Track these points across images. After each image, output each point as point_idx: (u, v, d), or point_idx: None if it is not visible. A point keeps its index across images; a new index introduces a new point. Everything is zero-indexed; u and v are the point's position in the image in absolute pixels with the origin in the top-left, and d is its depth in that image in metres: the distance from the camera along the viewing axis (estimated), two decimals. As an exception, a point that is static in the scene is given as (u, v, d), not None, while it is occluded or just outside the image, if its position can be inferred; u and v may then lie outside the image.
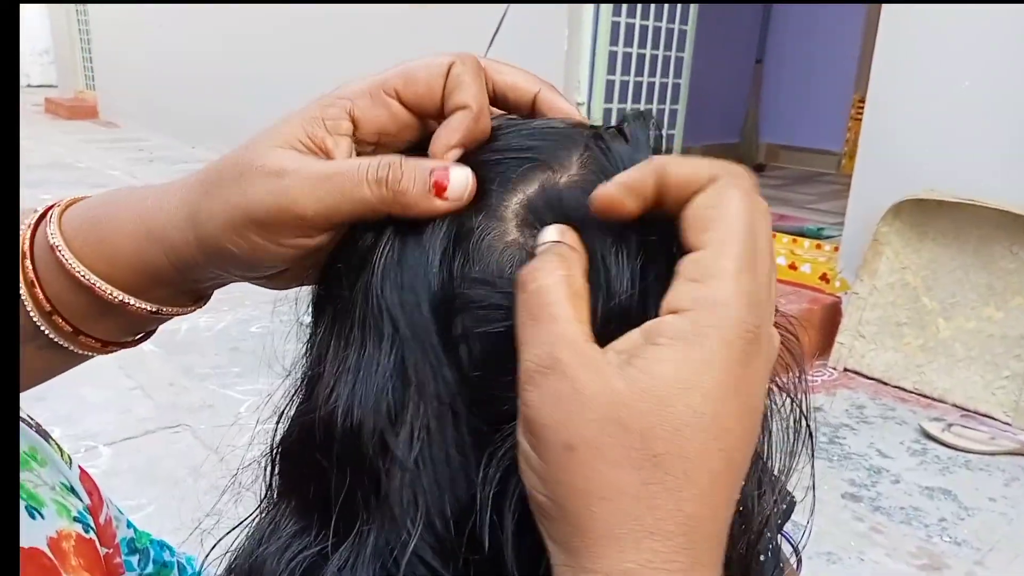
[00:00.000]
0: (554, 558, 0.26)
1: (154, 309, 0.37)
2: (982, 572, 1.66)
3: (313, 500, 0.33)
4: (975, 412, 2.38)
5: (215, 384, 2.39)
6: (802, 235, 3.30)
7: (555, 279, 0.27)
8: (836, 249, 2.96)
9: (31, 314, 0.36)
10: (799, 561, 0.60)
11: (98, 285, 0.35)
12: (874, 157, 2.71)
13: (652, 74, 3.59)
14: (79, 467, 0.53)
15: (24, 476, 0.45)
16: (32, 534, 0.43)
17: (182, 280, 0.37)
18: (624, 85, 3.50)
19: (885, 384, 2.58)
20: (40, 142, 6.97)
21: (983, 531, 1.80)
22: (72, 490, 0.50)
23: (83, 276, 0.34)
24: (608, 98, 3.48)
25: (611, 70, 3.43)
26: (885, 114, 2.66)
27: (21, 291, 0.35)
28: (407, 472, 0.30)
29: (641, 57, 3.50)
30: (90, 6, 8.40)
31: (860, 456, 2.12)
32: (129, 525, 0.60)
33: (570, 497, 0.25)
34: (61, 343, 0.37)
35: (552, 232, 0.29)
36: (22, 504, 0.44)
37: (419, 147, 0.34)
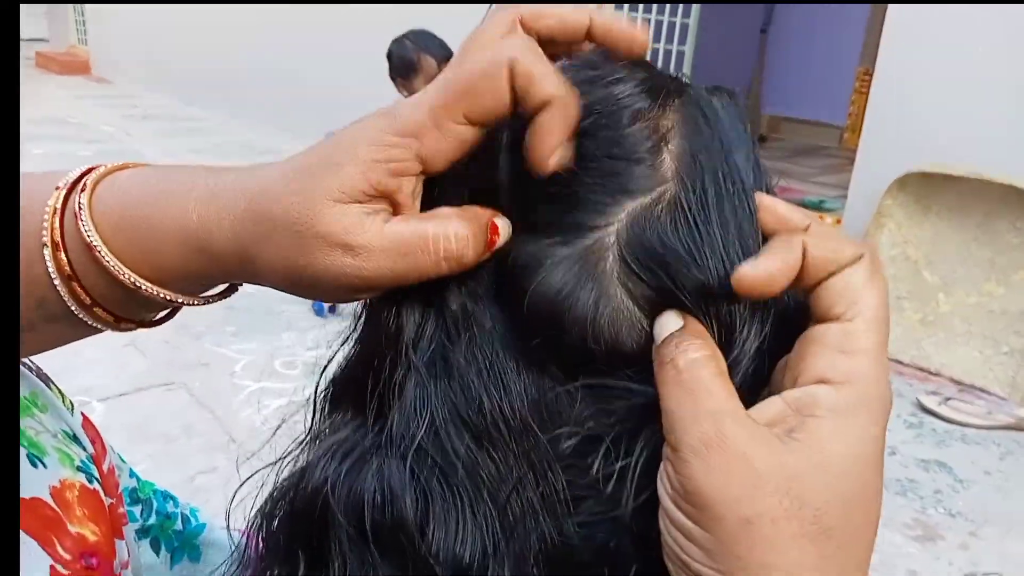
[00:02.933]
0: None
1: (201, 302, 0.36)
2: (976, 543, 1.67)
3: (356, 407, 0.33)
4: (972, 386, 2.38)
5: (210, 343, 2.36)
6: (803, 207, 3.27)
7: (704, 355, 0.27)
8: (838, 221, 2.94)
9: (69, 304, 0.34)
10: None
11: (143, 285, 0.34)
12: (880, 129, 2.67)
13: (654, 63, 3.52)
14: (81, 413, 0.50)
15: (25, 423, 0.43)
16: (34, 484, 0.41)
17: (228, 281, 0.37)
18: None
19: (882, 357, 2.58)
20: (33, 97, 6.85)
21: (978, 503, 1.81)
22: (75, 438, 0.48)
23: (129, 279, 0.34)
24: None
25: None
26: (893, 86, 2.61)
27: (56, 282, 0.34)
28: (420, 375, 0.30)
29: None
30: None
31: (857, 428, 2.12)
32: (132, 475, 0.58)
33: (747, 571, 0.25)
34: (98, 327, 0.36)
35: (675, 314, 0.29)
36: (23, 452, 0.42)
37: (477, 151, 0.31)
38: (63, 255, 0.33)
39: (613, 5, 3.30)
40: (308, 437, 0.35)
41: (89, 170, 0.36)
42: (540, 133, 0.29)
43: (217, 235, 0.32)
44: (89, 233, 0.33)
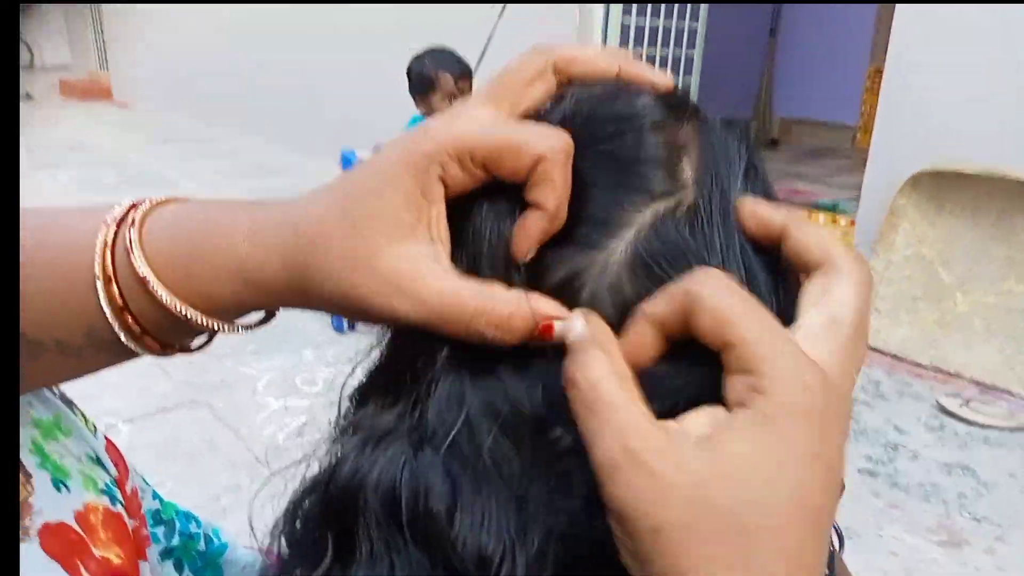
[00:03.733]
0: None
1: (246, 329, 0.38)
2: (1003, 548, 1.64)
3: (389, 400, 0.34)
4: (993, 387, 2.34)
5: (231, 362, 2.39)
6: (817, 209, 3.25)
7: (605, 371, 0.28)
8: (852, 223, 2.91)
9: (119, 333, 0.35)
10: (841, 541, 0.59)
11: (194, 317, 0.35)
12: (892, 128, 2.65)
13: (663, 67, 3.53)
14: (104, 436, 0.51)
15: (49, 447, 0.44)
16: (59, 508, 0.42)
17: (278, 308, 0.38)
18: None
19: (901, 360, 2.54)
20: (57, 124, 6.97)
21: (1003, 507, 1.77)
22: (98, 461, 0.49)
23: (181, 311, 0.35)
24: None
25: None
26: (903, 84, 2.59)
27: (107, 313, 0.35)
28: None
29: (651, 57, 3.44)
30: (102, -14, 8.35)
31: (877, 432, 2.10)
32: (155, 496, 0.59)
33: (662, 571, 0.25)
34: (143, 353, 0.37)
35: (580, 322, 0.30)
36: (47, 477, 0.43)
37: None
38: (115, 287, 0.35)
39: (621, 6, 3.30)
40: (338, 431, 0.36)
41: (134, 205, 0.37)
42: (522, 231, 0.32)
43: (267, 268, 0.33)
44: (142, 268, 0.34)
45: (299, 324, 2.64)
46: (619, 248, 0.31)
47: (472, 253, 0.33)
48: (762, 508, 0.25)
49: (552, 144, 0.31)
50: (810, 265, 0.31)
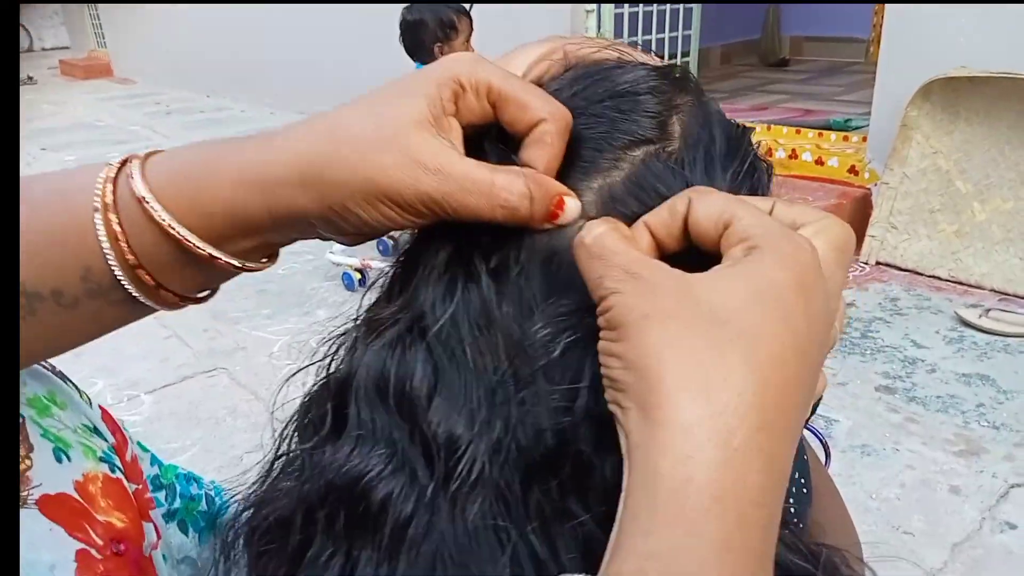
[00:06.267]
0: (628, 437, 0.27)
1: (239, 264, 0.37)
2: (1022, 453, 1.63)
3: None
4: (1014, 295, 2.30)
5: (246, 327, 2.42)
6: (829, 128, 3.16)
7: (608, 227, 0.31)
8: (864, 139, 2.84)
9: (113, 268, 0.36)
10: (828, 455, 0.59)
11: (188, 237, 0.35)
12: (900, 38, 2.55)
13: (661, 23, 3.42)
14: (99, 406, 0.52)
15: (47, 422, 0.45)
16: (59, 479, 0.43)
17: (273, 234, 0.37)
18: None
19: (919, 274, 2.50)
20: (60, 105, 6.98)
21: (1023, 414, 1.76)
22: (95, 430, 0.50)
23: (173, 228, 0.35)
24: None
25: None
26: (911, -10, 2.48)
27: (104, 245, 0.35)
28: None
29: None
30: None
31: (894, 348, 2.08)
32: (153, 462, 0.60)
33: (645, 355, 0.27)
34: (139, 297, 0.37)
35: (575, 202, 0.34)
36: (49, 447, 0.43)
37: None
38: (112, 216, 0.35)
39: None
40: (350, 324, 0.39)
41: (133, 154, 0.38)
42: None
43: (276, 162, 0.34)
44: (139, 188, 0.35)
45: (310, 286, 2.66)
46: (607, 182, 0.34)
47: None
48: (747, 313, 0.27)
49: (556, 110, 0.34)
50: (804, 223, 0.33)
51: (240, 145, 0.36)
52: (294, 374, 0.43)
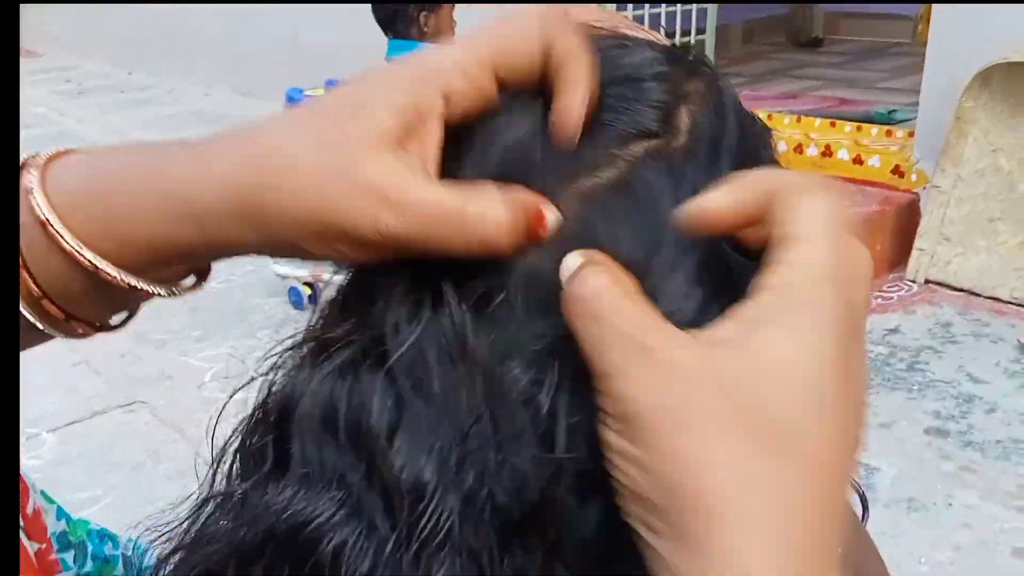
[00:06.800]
0: (665, 566, 0.27)
1: (165, 292, 0.37)
2: (1097, 510, 1.65)
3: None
4: (1087, 320, 2.34)
5: (173, 352, 2.41)
6: (869, 121, 3.22)
7: (607, 280, 0.30)
8: (911, 135, 2.88)
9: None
10: (865, 510, 0.59)
11: (105, 269, 0.35)
12: (953, 15, 2.60)
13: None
14: None
15: None
16: None
17: (207, 259, 0.37)
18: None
19: (976, 295, 2.54)
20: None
21: (1098, 461, 1.79)
22: None
23: (87, 258, 0.34)
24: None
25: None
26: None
27: None
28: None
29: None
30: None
31: (947, 383, 2.10)
32: (60, 515, 0.60)
33: (677, 468, 0.26)
34: (45, 329, 0.37)
35: (577, 256, 0.32)
36: None
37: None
38: None
39: None
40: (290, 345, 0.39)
41: (33, 156, 0.37)
42: (563, 113, 0.34)
43: (207, 190, 0.33)
44: (41, 208, 0.34)
45: (251, 302, 2.65)
46: (601, 180, 0.35)
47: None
48: (797, 409, 0.27)
49: (558, 32, 0.34)
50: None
51: (161, 161, 0.35)
52: (225, 405, 0.43)
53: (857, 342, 0.29)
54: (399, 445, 0.33)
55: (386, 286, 0.36)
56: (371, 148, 0.32)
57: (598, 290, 0.30)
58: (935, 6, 2.65)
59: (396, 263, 0.35)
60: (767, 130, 0.39)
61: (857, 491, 0.58)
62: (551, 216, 0.33)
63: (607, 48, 0.37)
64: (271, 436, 0.37)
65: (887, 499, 1.68)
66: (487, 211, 0.32)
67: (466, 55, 0.34)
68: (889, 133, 3.07)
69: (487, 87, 0.34)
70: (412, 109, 0.33)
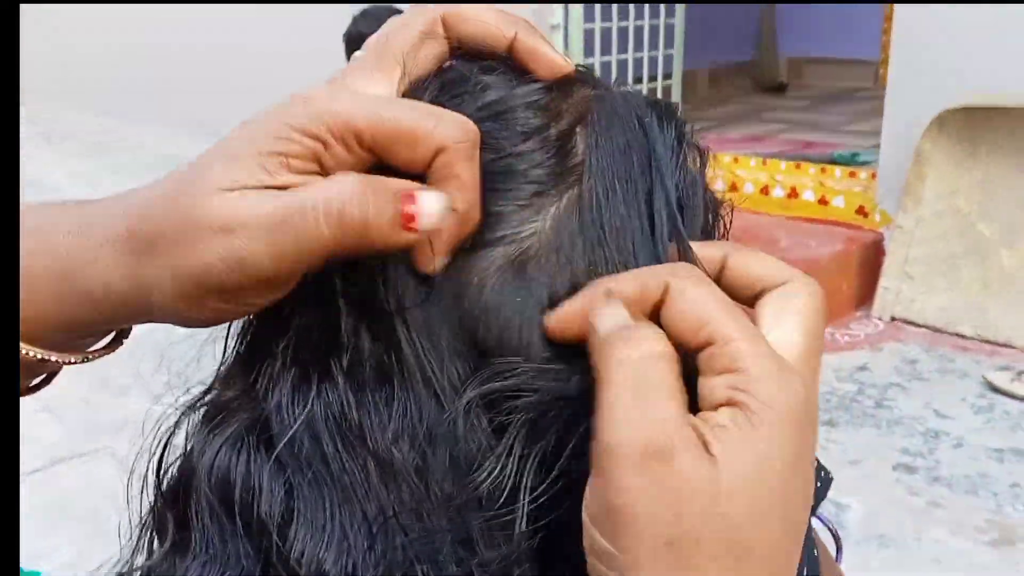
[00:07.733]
0: None
1: (79, 359, 0.36)
2: (1063, 543, 1.67)
3: None
4: (1049, 356, 2.39)
5: (137, 397, 2.37)
6: (833, 163, 3.28)
7: (662, 348, 0.29)
8: (874, 176, 2.95)
9: None
10: (839, 549, 0.59)
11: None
12: (910, 60, 2.68)
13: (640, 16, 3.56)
14: None
15: None
16: None
17: (119, 327, 0.37)
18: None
19: (940, 332, 2.59)
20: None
21: (1064, 495, 1.81)
22: None
23: None
24: (588, 17, 3.44)
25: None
26: (921, 8, 2.62)
27: None
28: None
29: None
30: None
31: (914, 419, 2.13)
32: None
33: None
34: None
35: (619, 307, 0.31)
36: None
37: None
38: None
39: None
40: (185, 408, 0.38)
41: None
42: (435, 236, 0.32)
43: (93, 270, 0.32)
44: None
45: (220, 346, 2.61)
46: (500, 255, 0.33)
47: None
48: (766, 523, 0.28)
49: (453, 133, 0.31)
50: (766, 286, 0.34)
51: (51, 239, 0.33)
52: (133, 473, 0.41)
53: (809, 448, 0.30)
54: (295, 533, 0.32)
55: (265, 356, 0.34)
56: (223, 189, 0.30)
57: (652, 357, 0.29)
58: (893, 50, 2.73)
59: (276, 327, 0.34)
60: (683, 139, 0.38)
61: (830, 530, 0.58)
62: (426, 196, 0.31)
63: (481, 70, 0.36)
64: (172, 510, 0.35)
65: (858, 536, 1.69)
66: (330, 189, 0.30)
67: (344, 118, 0.31)
68: (853, 175, 3.14)
69: (363, 159, 0.32)
70: (282, 163, 0.31)
